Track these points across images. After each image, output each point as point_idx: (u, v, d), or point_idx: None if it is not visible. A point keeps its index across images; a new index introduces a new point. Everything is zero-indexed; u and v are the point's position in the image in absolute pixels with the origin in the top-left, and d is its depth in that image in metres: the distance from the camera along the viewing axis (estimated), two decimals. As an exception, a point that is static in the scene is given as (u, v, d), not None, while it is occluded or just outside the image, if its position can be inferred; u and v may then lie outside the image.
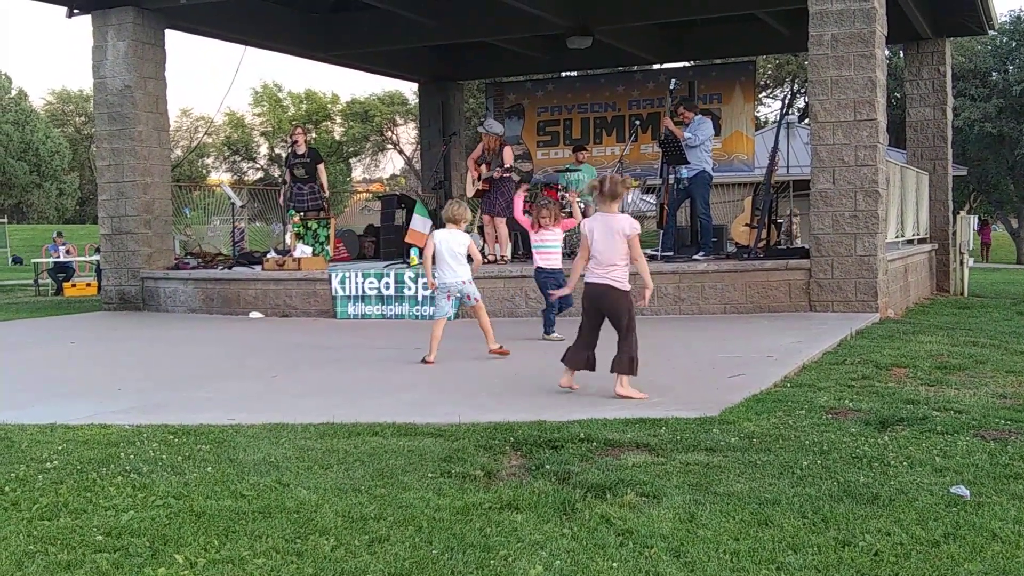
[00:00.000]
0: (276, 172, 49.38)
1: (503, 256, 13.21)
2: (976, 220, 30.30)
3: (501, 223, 13.26)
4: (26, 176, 53.54)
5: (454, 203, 8.82)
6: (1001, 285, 20.97)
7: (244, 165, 58.10)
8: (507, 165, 13.16)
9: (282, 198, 15.33)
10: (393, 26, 16.53)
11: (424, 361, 8.37)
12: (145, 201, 14.34)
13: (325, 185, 14.95)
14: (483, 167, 13.26)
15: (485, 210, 13.56)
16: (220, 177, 55.05)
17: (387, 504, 4.26)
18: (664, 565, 3.56)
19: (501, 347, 8.62)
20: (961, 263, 17.31)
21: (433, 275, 8.72)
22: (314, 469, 4.83)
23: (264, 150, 57.68)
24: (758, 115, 38.79)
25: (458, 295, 8.65)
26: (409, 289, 12.21)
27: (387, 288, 12.34)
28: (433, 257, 8.67)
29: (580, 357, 6.79)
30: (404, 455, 5.04)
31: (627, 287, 6.69)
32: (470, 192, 13.73)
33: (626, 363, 6.58)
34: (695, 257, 12.20)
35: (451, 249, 8.50)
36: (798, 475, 4.57)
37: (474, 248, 8.73)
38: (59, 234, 25.44)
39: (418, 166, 31.39)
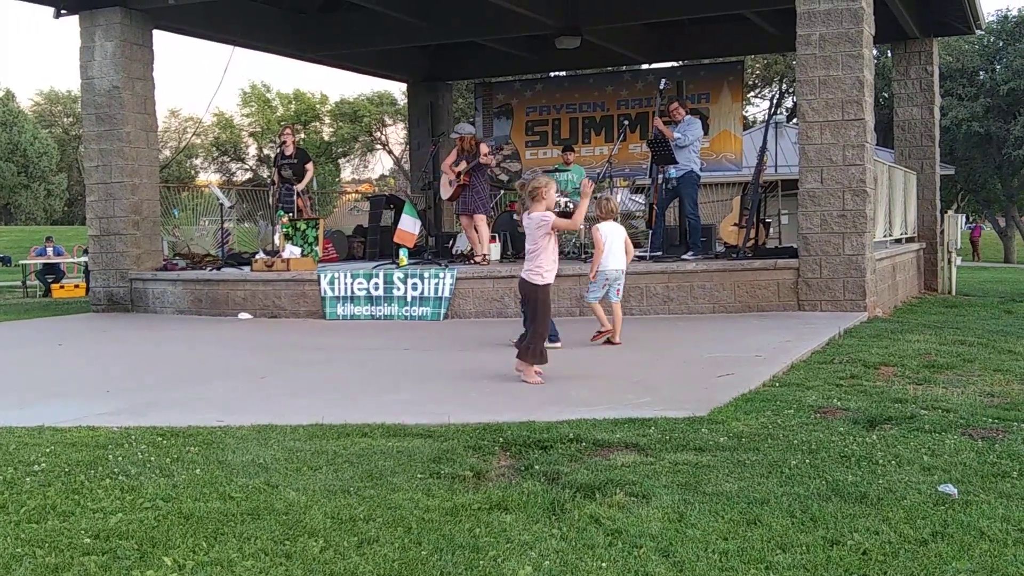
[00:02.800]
0: (265, 173, 49.27)
1: (485, 255, 13.12)
2: (963, 219, 30.46)
3: (481, 221, 13.14)
4: (14, 177, 53.39)
5: (608, 200, 9.25)
6: (989, 284, 21.07)
7: (233, 166, 58.01)
8: (484, 153, 13.09)
9: (271, 199, 15.26)
10: (382, 26, 16.52)
11: (600, 333, 8.99)
12: (133, 202, 14.30)
13: (304, 182, 14.83)
14: (463, 163, 13.18)
15: (461, 210, 13.37)
16: (208, 178, 54.95)
17: (376, 505, 4.26)
18: (653, 565, 3.56)
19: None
20: (949, 262, 17.38)
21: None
22: (303, 470, 4.82)
23: (253, 151, 57.61)
24: (746, 115, 38.88)
25: (615, 283, 9.07)
26: (398, 290, 12.20)
27: (376, 289, 12.33)
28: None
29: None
30: (393, 456, 5.03)
31: (538, 281, 7.34)
32: (445, 194, 13.61)
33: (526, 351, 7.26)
34: (684, 257, 12.22)
35: (622, 238, 9.08)
36: (787, 474, 4.58)
37: (628, 240, 9.28)
38: (49, 238, 25.36)
39: (407, 167, 31.35)
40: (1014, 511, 4.03)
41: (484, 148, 13.33)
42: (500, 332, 9.85)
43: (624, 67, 19.81)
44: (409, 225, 13.63)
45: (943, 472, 4.59)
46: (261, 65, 57.87)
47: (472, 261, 13.08)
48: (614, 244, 8.99)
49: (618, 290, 9.08)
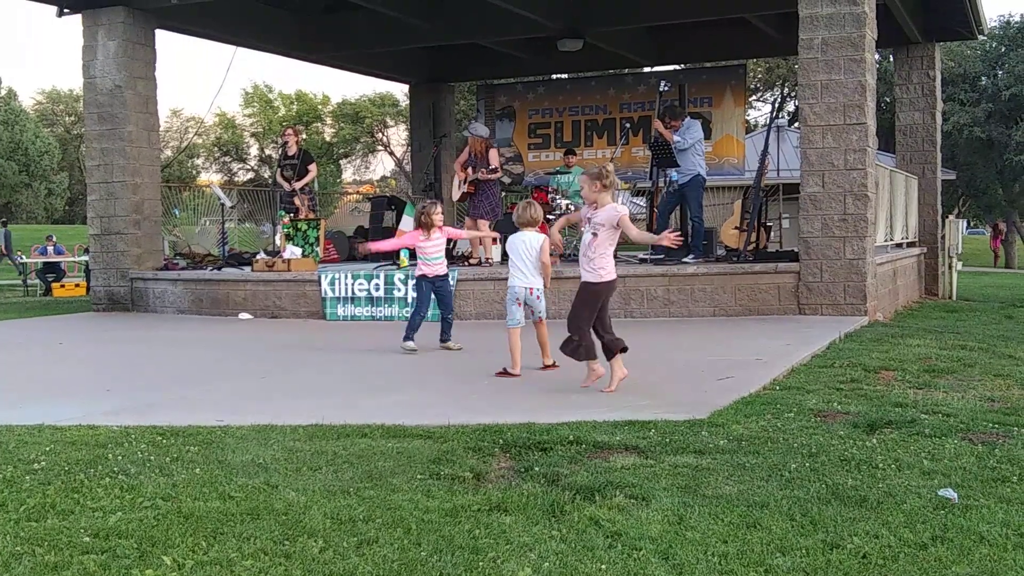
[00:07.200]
0: (267, 173, 49.33)
1: (488, 258, 13.15)
2: (964, 224, 30.45)
3: (484, 225, 13.19)
4: (15, 176, 53.34)
5: (528, 205, 8.01)
6: (989, 289, 21.06)
7: (234, 166, 58.02)
8: (493, 166, 13.15)
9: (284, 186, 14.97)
10: (384, 27, 16.53)
11: (507, 373, 7.66)
12: (135, 201, 14.30)
13: (303, 182, 14.75)
14: (469, 170, 13.24)
15: (470, 213, 13.49)
16: (210, 178, 54.94)
17: (376, 506, 4.26)
18: (652, 567, 3.56)
19: (554, 363, 7.87)
20: (949, 267, 17.38)
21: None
22: (303, 471, 4.82)
23: (254, 151, 57.62)
24: (748, 118, 38.89)
25: (531, 303, 7.91)
26: (399, 291, 12.20)
27: (376, 290, 12.32)
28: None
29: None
30: (393, 457, 5.03)
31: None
32: (455, 196, 13.68)
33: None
34: (685, 260, 12.21)
35: (521, 252, 7.88)
36: (786, 478, 4.58)
37: (547, 251, 7.90)
38: (49, 237, 25.37)
39: (408, 168, 31.38)
40: (1014, 516, 4.03)
41: (493, 156, 13.27)
42: (500, 334, 9.82)
43: (626, 70, 19.84)
44: (410, 226, 13.62)
45: (943, 476, 4.59)
46: (263, 65, 58.16)
47: (467, 263, 13.05)
48: (518, 259, 7.89)
49: (532, 309, 7.93)
